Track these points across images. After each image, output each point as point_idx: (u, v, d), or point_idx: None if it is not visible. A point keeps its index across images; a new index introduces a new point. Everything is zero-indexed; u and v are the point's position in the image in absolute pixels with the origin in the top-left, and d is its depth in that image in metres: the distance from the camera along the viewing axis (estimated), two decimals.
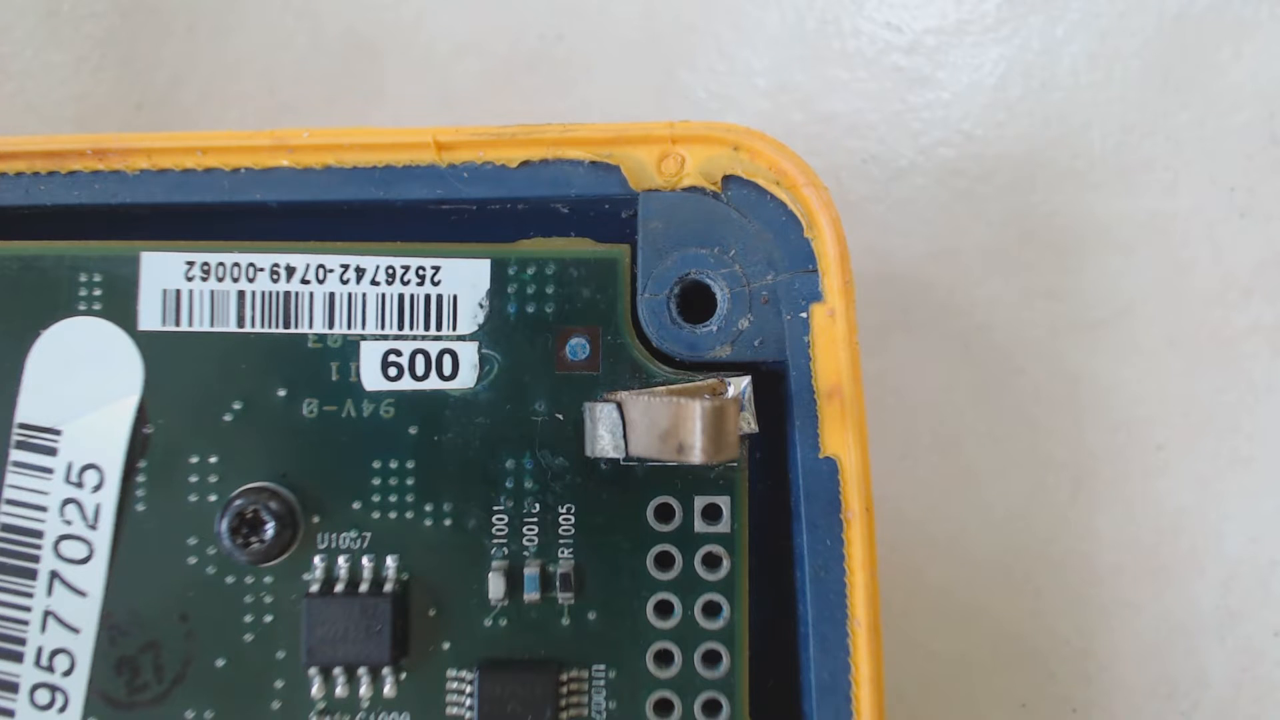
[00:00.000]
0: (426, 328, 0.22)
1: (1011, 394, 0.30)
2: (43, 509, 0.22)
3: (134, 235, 0.22)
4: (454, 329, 0.22)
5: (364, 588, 0.22)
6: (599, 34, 0.32)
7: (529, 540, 0.22)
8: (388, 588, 0.22)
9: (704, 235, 0.22)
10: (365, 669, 0.22)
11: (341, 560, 0.22)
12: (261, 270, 0.22)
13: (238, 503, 0.22)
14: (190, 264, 0.22)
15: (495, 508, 0.22)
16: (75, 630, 0.22)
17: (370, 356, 0.22)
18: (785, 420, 0.22)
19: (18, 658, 0.22)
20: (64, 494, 0.22)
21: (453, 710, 0.22)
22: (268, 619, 0.22)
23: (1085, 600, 0.30)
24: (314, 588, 0.22)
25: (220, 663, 0.22)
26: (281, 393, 0.22)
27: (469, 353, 0.22)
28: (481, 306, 0.22)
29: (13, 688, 0.22)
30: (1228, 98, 0.30)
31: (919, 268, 0.31)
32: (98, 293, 0.22)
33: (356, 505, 0.22)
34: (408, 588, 0.22)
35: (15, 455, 0.22)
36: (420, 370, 0.22)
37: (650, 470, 0.22)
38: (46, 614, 0.22)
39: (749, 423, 0.22)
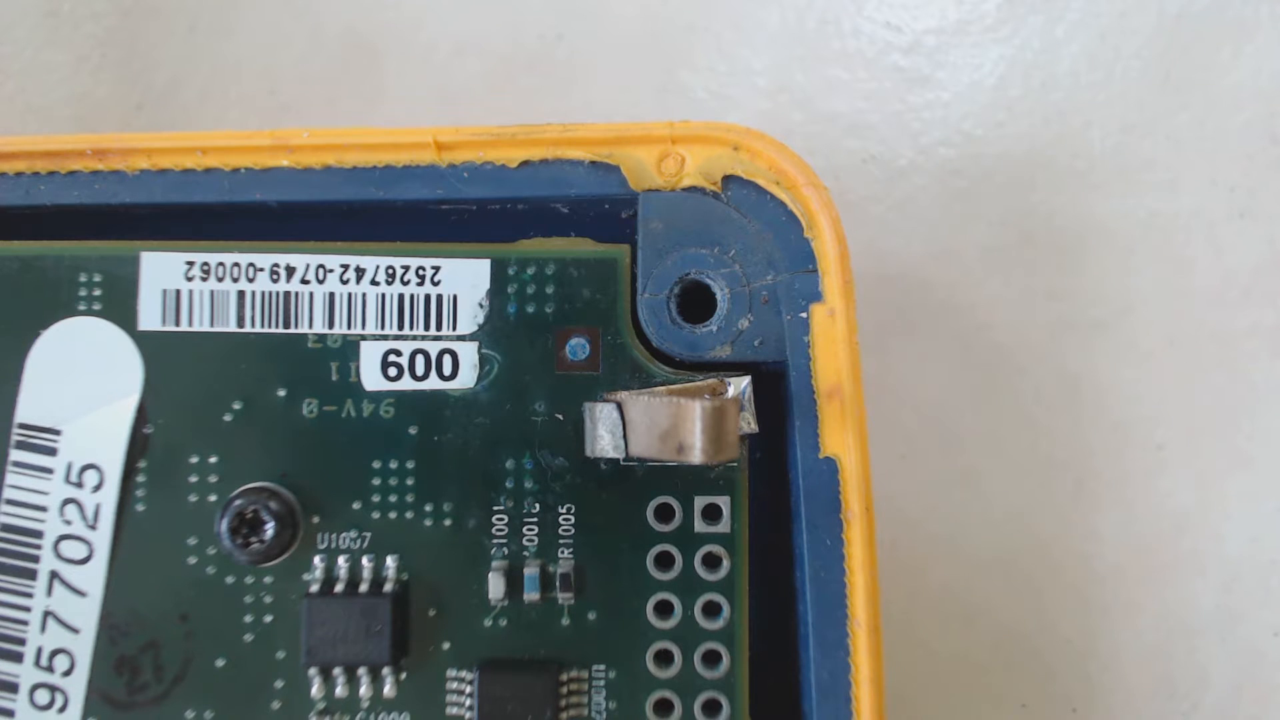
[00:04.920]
0: (426, 328, 0.22)
1: (1011, 394, 0.30)
2: (43, 509, 0.22)
3: (134, 235, 0.22)
4: (454, 329, 0.22)
5: (364, 588, 0.22)
6: (599, 34, 0.32)
7: (529, 540, 0.22)
8: (388, 588, 0.22)
9: (704, 235, 0.22)
10: (365, 669, 0.22)
11: (341, 560, 0.22)
12: (261, 270, 0.22)
13: (238, 503, 0.21)
14: (190, 264, 0.22)
15: (495, 508, 0.22)
16: (75, 630, 0.22)
17: (370, 356, 0.22)
18: (785, 420, 0.22)
19: (18, 658, 0.22)
20: (64, 494, 0.22)
21: (453, 710, 0.22)
22: (268, 619, 0.22)
23: (1085, 600, 0.30)
24: (314, 588, 0.22)
25: (220, 663, 0.22)
26: (281, 393, 0.22)
27: (469, 353, 0.22)
28: (481, 306, 0.22)
29: (13, 688, 0.22)
30: (1228, 98, 0.30)
31: (919, 268, 0.31)
32: (98, 293, 0.22)
33: (356, 505, 0.22)
34: (408, 588, 0.22)
35: (15, 455, 0.22)
36: (420, 370, 0.22)
37: (650, 470, 0.22)
38: (46, 614, 0.22)
39: (749, 423, 0.22)
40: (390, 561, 0.22)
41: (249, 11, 0.32)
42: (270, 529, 0.21)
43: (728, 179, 0.22)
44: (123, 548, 0.22)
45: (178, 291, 0.22)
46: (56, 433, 0.22)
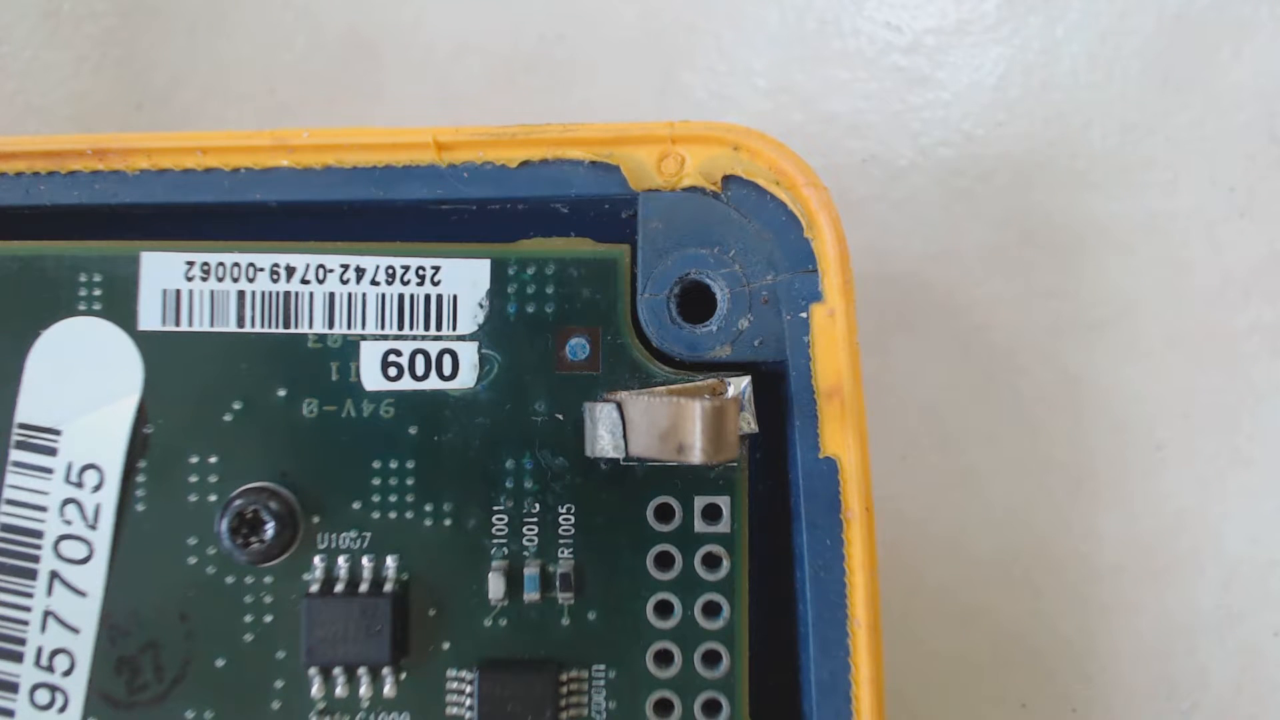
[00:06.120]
0: (426, 328, 0.22)
1: (1011, 394, 0.30)
2: (43, 509, 0.22)
3: (134, 235, 0.22)
4: (454, 329, 0.22)
5: (364, 588, 0.22)
6: (599, 34, 0.32)
7: (529, 540, 0.22)
8: (388, 588, 0.22)
9: (704, 235, 0.22)
10: (365, 669, 0.22)
11: (341, 560, 0.22)
12: (261, 270, 0.22)
13: (238, 503, 0.22)
14: (190, 264, 0.22)
15: (495, 508, 0.22)
16: (75, 630, 0.22)
17: (370, 356, 0.22)
18: (785, 420, 0.22)
19: (18, 658, 0.22)
20: (64, 494, 0.22)
21: (453, 710, 0.22)
22: (268, 619, 0.22)
23: (1085, 600, 0.30)
24: (314, 588, 0.22)
25: (220, 663, 0.22)
26: (281, 393, 0.22)
27: (469, 353, 0.22)
28: (481, 306, 0.22)
29: (13, 688, 0.22)
30: (1228, 98, 0.30)
31: (919, 268, 0.31)
32: (98, 293, 0.22)
33: (356, 505, 0.22)
34: (408, 588, 0.22)
35: (15, 455, 0.22)
36: (420, 370, 0.22)
37: (650, 470, 0.22)
38: (46, 614, 0.22)
39: (749, 423, 0.22)
40: (390, 561, 0.22)
41: (249, 11, 0.32)
42: (270, 529, 0.21)
43: (728, 179, 0.22)
44: (123, 548, 0.22)
45: (178, 291, 0.22)
46: (56, 433, 0.22)
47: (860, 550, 0.21)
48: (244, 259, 0.22)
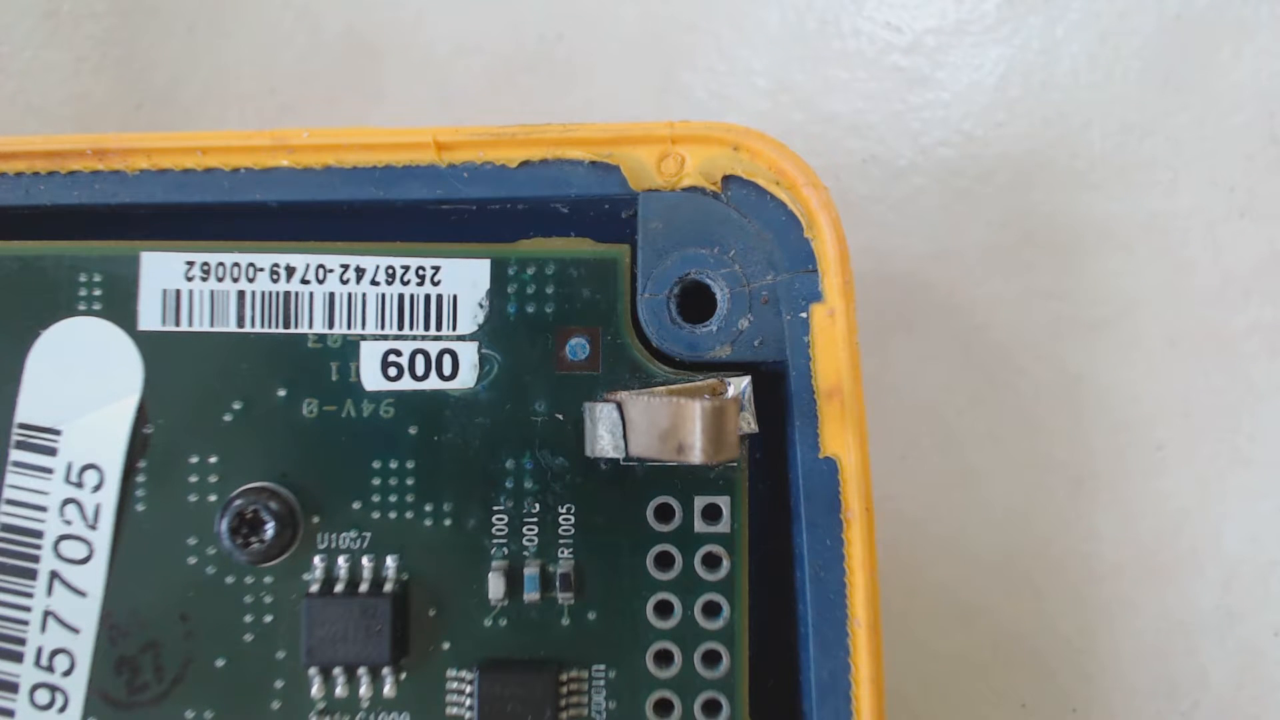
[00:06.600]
0: (426, 328, 0.22)
1: (1011, 394, 0.30)
2: (43, 509, 0.22)
3: (134, 235, 0.22)
4: (454, 329, 0.22)
5: (364, 588, 0.22)
6: (599, 34, 0.32)
7: (529, 540, 0.22)
8: (388, 588, 0.22)
9: (704, 235, 0.22)
10: (365, 669, 0.22)
11: (341, 560, 0.22)
12: (261, 270, 0.22)
13: (238, 503, 0.22)
14: (190, 264, 0.22)
15: (495, 508, 0.22)
16: (75, 630, 0.22)
17: (370, 356, 0.22)
18: (785, 420, 0.22)
19: (18, 658, 0.22)
20: (64, 494, 0.22)
21: (453, 710, 0.22)
22: (268, 619, 0.22)
23: (1085, 600, 0.30)
24: (314, 588, 0.22)
25: (220, 663, 0.22)
26: (281, 393, 0.22)
27: (469, 353, 0.22)
28: (481, 306, 0.22)
29: (13, 688, 0.22)
30: (1228, 98, 0.30)
31: (919, 268, 0.31)
32: (98, 293, 0.22)
33: (356, 505, 0.22)
34: (408, 588, 0.22)
35: (15, 455, 0.22)
36: (420, 370, 0.22)
37: (650, 470, 0.22)
38: (46, 614, 0.22)
39: (749, 423, 0.22)
40: (390, 561, 0.22)
41: (249, 11, 0.32)
42: (270, 529, 0.21)
43: (728, 179, 0.22)
44: (123, 548, 0.22)
45: (178, 291, 0.22)
46: (56, 433, 0.22)
47: (860, 550, 0.21)
48: (244, 259, 0.22)
